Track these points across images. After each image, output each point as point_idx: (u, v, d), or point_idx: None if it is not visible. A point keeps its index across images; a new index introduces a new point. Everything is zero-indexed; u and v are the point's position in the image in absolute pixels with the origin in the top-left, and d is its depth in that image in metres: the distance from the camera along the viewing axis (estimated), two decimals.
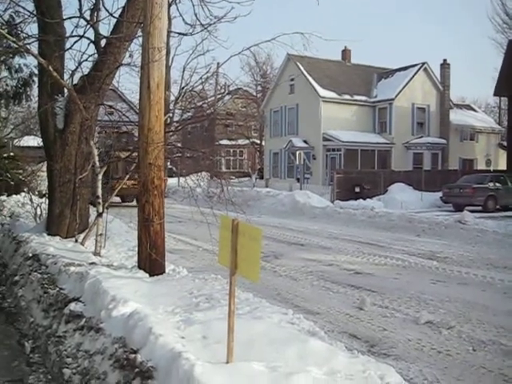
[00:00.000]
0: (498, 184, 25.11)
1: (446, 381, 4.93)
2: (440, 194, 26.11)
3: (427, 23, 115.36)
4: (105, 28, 9.76)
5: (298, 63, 35.65)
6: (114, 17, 9.40)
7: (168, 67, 27.90)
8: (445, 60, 38.85)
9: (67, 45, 10.02)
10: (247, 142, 52.55)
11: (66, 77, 10.23)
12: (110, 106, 11.15)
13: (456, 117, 40.19)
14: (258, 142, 52.07)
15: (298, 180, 31.49)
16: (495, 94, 34.91)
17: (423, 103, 37.81)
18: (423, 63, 37.81)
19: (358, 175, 28.92)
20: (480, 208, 23.77)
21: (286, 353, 3.96)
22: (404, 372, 5.03)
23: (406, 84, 36.76)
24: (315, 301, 7.88)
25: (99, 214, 8.93)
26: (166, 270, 7.35)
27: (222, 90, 36.59)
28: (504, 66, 30.36)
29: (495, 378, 5.08)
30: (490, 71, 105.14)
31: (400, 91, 36.31)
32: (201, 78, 10.06)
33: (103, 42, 9.82)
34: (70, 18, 9.84)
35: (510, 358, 5.55)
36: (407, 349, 5.85)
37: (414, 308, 7.54)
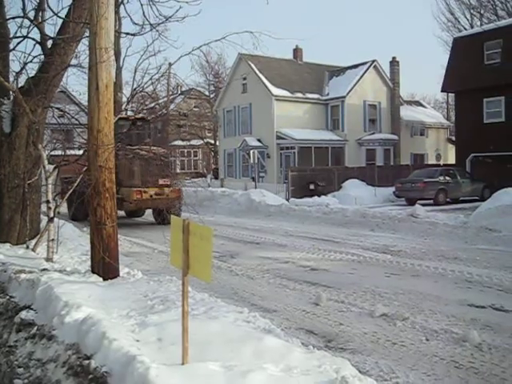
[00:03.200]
0: (447, 178, 25.81)
1: (401, 371, 5.02)
2: (393, 188, 26.65)
3: (377, 21, 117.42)
4: (51, 28, 9.56)
5: (250, 62, 35.74)
6: (59, 17, 9.21)
7: (119, 68, 27.53)
8: (394, 57, 39.65)
9: (11, 46, 9.76)
10: (201, 142, 52.36)
11: (11, 79, 9.97)
12: (59, 109, 10.92)
13: (406, 113, 41.10)
14: (212, 142, 51.96)
15: (253, 179, 31.56)
16: (442, 90, 35.81)
17: (374, 100, 38.48)
18: (373, 61, 38.48)
19: (313, 172, 29.20)
20: (431, 201, 24.38)
21: (242, 351, 3.96)
22: (360, 365, 5.10)
23: (357, 81, 37.35)
24: (272, 298, 7.91)
25: (50, 219, 8.74)
26: (121, 274, 7.27)
27: (175, 91, 36.35)
28: (450, 63, 31.18)
29: (447, 365, 5.21)
30: (437, 68, 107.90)
31: (351, 89, 36.85)
32: (151, 78, 9.98)
33: (49, 43, 9.61)
34: (13, 18, 9.62)
35: (460, 346, 5.70)
36: (363, 342, 5.94)
37: (369, 301, 7.65)
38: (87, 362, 4.12)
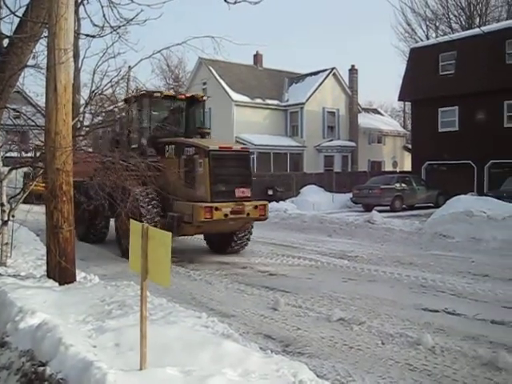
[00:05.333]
0: (403, 185, 26.35)
1: (357, 374, 5.10)
2: (350, 195, 27.02)
3: (337, 30, 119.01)
4: (7, 27, 9.33)
5: (210, 67, 35.73)
6: (16, 15, 9.00)
7: (77, 70, 27.03)
8: (353, 66, 40.31)
9: None
10: None
11: None
12: (15, 110, 10.67)
13: (364, 120, 41.79)
14: None
15: None
16: (399, 99, 36.60)
17: (333, 107, 38.99)
18: (332, 68, 39.01)
19: (271, 178, 29.33)
20: (388, 208, 24.83)
21: (200, 356, 3.96)
22: (318, 369, 5.16)
23: (317, 88, 37.79)
24: (230, 303, 7.91)
25: (4, 222, 8.52)
26: (77, 278, 7.16)
27: (134, 94, 35.94)
28: (407, 73, 31.89)
29: (402, 368, 5.32)
30: (395, 77, 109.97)
31: (311, 95, 37.26)
32: (111, 80, 9.85)
33: (6, 42, 9.39)
34: None
35: (415, 349, 5.83)
36: (320, 346, 6.00)
37: (326, 306, 7.73)
38: (42, 368, 4.04)
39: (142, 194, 11.33)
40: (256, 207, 11.39)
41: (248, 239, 12.73)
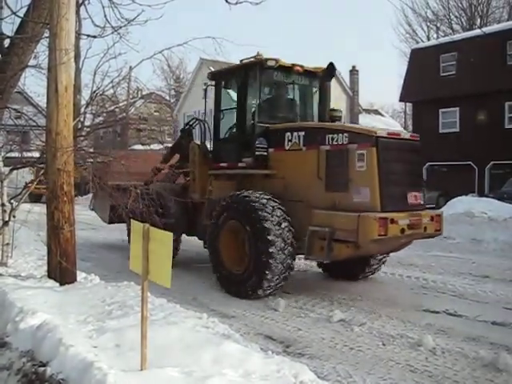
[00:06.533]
0: None
1: (358, 375, 5.09)
2: None
3: (338, 30, 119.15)
4: (9, 27, 9.35)
5: (212, 68, 35.71)
6: (17, 16, 9.01)
7: (78, 70, 27.10)
8: (354, 66, 40.36)
9: None
10: (161, 146, 51.92)
11: None
12: (16, 110, 10.68)
13: (365, 121, 41.75)
14: None
15: None
16: (400, 100, 36.60)
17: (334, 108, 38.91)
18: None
19: None
20: None
21: (201, 357, 3.95)
22: (318, 370, 5.14)
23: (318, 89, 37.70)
24: (231, 304, 7.90)
25: (5, 223, 8.53)
26: (78, 279, 7.15)
27: (135, 94, 36.02)
28: (408, 74, 31.90)
29: (402, 369, 5.31)
30: (396, 78, 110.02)
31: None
32: (112, 81, 9.86)
33: (7, 42, 9.41)
34: None
35: (416, 350, 5.82)
36: (321, 347, 5.99)
37: (327, 308, 7.71)
38: (42, 369, 4.04)
39: (259, 199, 8.20)
40: (432, 218, 8.21)
41: (385, 261, 9.70)
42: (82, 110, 14.64)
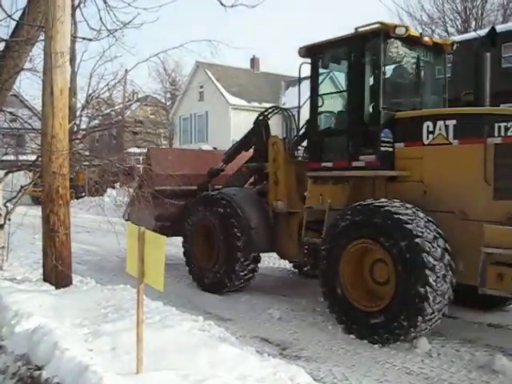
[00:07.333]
0: None
1: (354, 377, 5.10)
2: None
3: (334, 32, 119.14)
4: (4, 30, 9.32)
5: (207, 70, 35.83)
6: (13, 19, 9.00)
7: (74, 73, 27.07)
8: None
9: None
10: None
11: None
12: (11, 113, 10.68)
13: None
14: None
15: None
16: None
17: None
18: (330, 71, 39.01)
19: None
20: None
21: (197, 360, 3.95)
22: (314, 372, 5.15)
23: None
24: (226, 307, 7.89)
25: (0, 226, 8.51)
26: (74, 282, 7.15)
27: (131, 97, 36.01)
28: None
29: (398, 371, 5.32)
30: None
31: (307, 99, 37.23)
32: (107, 84, 9.87)
33: (2, 45, 9.39)
34: None
35: (412, 352, 5.82)
36: (317, 350, 5.99)
37: (323, 310, 7.71)
38: (38, 372, 4.03)
39: (403, 209, 6.13)
40: None
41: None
42: (78, 112, 14.60)
